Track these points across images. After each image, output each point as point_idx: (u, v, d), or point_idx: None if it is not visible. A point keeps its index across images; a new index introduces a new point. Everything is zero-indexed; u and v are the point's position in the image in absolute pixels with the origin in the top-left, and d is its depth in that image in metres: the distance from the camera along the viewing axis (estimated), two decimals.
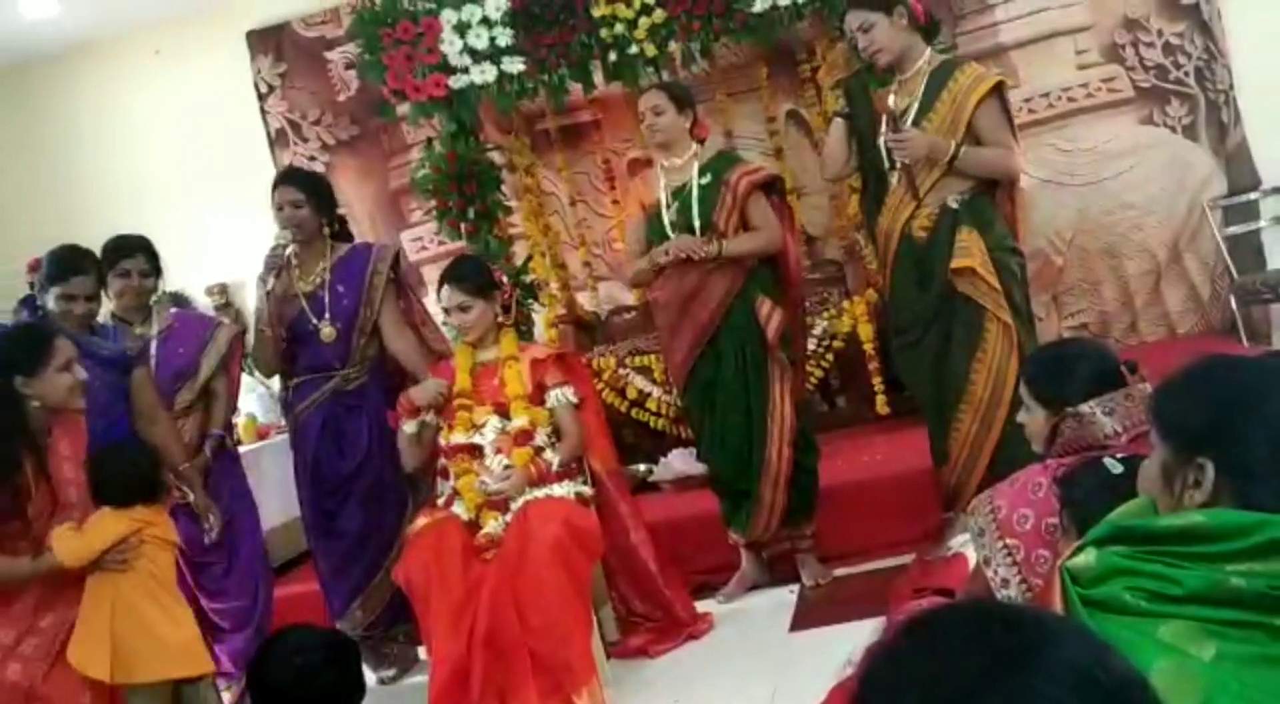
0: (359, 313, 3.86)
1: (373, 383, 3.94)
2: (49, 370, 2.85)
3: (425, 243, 6.21)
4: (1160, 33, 5.42)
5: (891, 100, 3.69)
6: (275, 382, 5.89)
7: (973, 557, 3.01)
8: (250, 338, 4.22)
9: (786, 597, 3.89)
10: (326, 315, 3.84)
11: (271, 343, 3.84)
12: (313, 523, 3.96)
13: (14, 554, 2.79)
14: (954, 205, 3.52)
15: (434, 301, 5.73)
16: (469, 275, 3.69)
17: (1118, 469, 1.88)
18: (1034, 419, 2.24)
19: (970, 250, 3.46)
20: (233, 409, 4.14)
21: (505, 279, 3.84)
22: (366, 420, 3.90)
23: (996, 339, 3.49)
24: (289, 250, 3.89)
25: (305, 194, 3.86)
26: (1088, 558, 1.50)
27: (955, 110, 3.52)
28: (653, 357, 5.02)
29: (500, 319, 3.70)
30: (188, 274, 6.16)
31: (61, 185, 6.18)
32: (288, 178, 3.99)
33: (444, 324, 4.77)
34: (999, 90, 3.55)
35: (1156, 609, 1.38)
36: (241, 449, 4.95)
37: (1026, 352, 3.40)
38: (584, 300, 5.76)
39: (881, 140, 3.63)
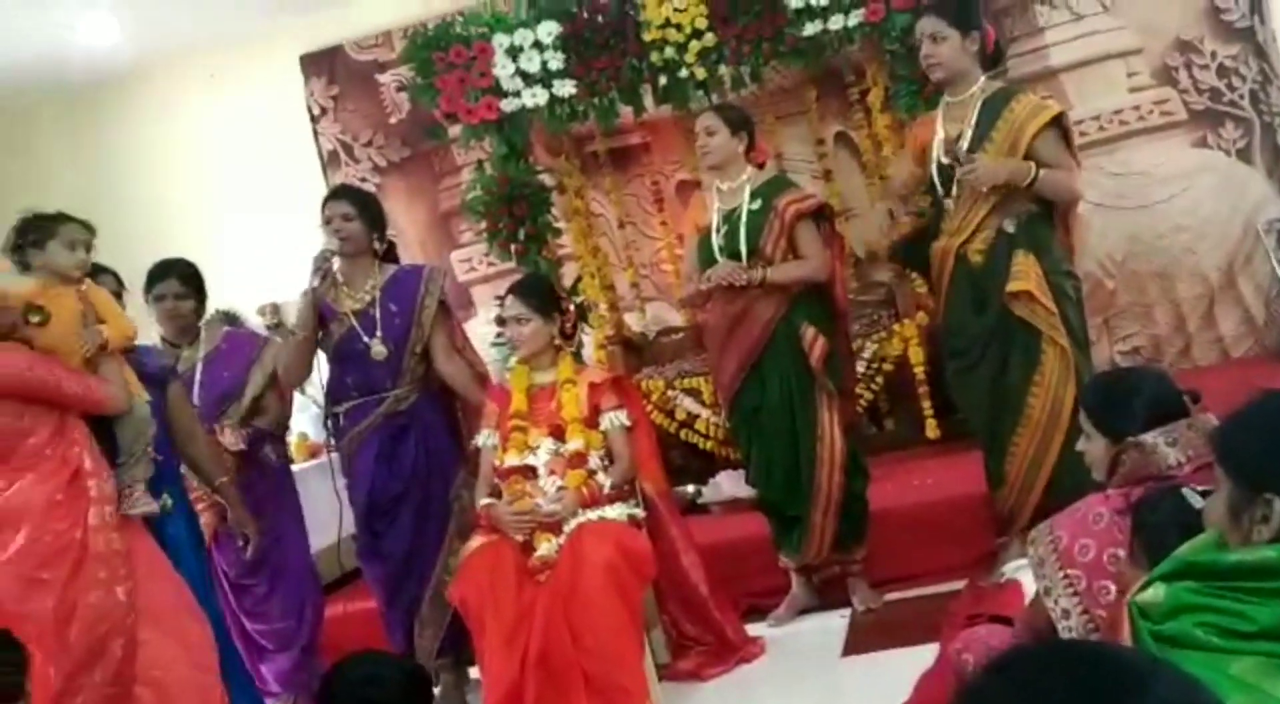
0: (410, 333, 3.82)
1: (423, 399, 3.87)
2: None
3: (474, 264, 6.26)
4: (1214, 55, 5.38)
5: (940, 126, 3.69)
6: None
7: (1026, 583, 3.00)
8: None
9: (837, 621, 3.87)
10: (378, 333, 3.79)
11: (304, 347, 3.82)
12: (363, 545, 3.91)
13: None
14: (1010, 229, 3.53)
15: (481, 323, 5.84)
16: (534, 291, 3.73)
17: (1198, 503, 1.86)
18: (1094, 447, 2.24)
19: (1026, 273, 3.46)
20: (286, 416, 4.16)
21: (571, 307, 3.84)
22: (415, 437, 3.84)
23: (1053, 362, 3.49)
24: (335, 265, 3.87)
25: (356, 208, 3.85)
26: (1156, 593, 1.50)
27: (1013, 138, 3.52)
28: (701, 378, 5.02)
29: (558, 343, 3.72)
30: (240, 293, 6.24)
31: (117, 207, 6.28)
32: (339, 193, 4.01)
33: (494, 344, 4.83)
34: (1059, 121, 3.56)
35: (1228, 645, 1.38)
36: (294, 468, 5.01)
37: (1083, 375, 3.40)
38: (632, 321, 5.77)
39: (934, 166, 3.64)
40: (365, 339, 3.80)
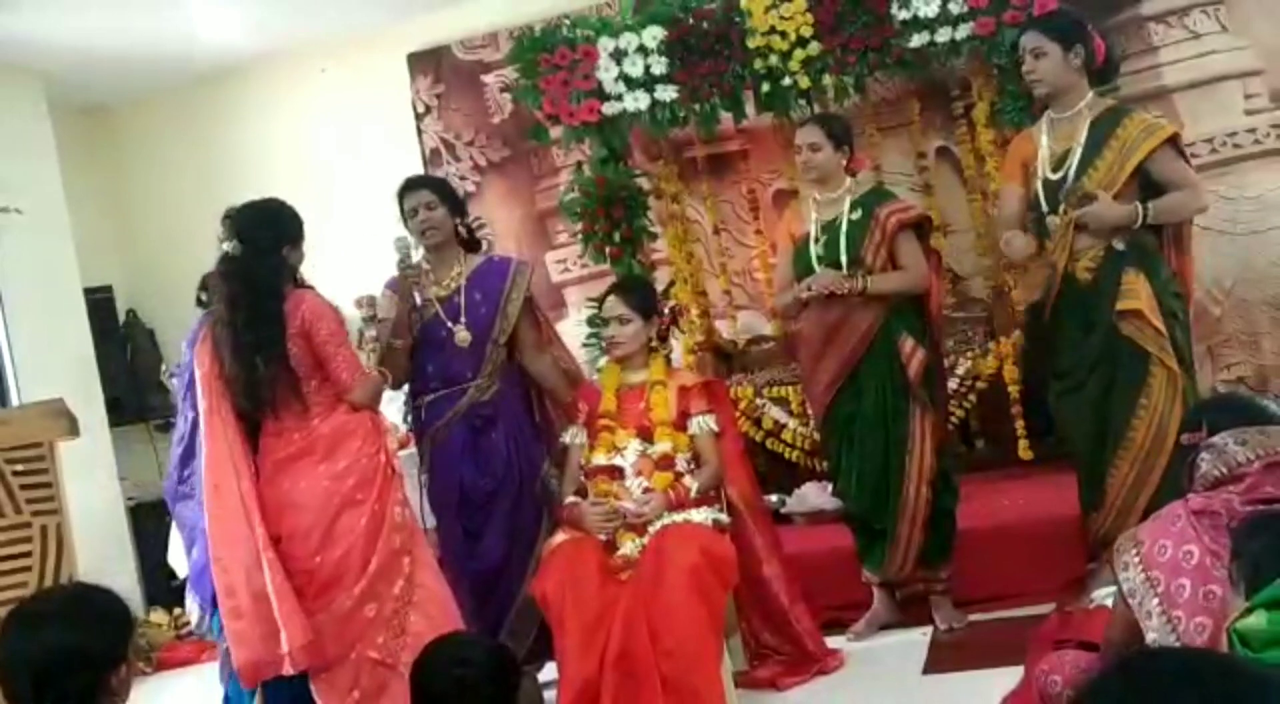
0: (495, 323, 3.81)
1: (505, 389, 3.85)
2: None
3: (568, 265, 6.30)
4: None
5: (1044, 141, 3.63)
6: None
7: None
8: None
9: (919, 639, 3.83)
10: (462, 320, 3.79)
11: (402, 353, 3.77)
12: (458, 545, 3.82)
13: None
14: (1120, 247, 3.46)
15: (573, 323, 5.87)
16: (636, 292, 3.77)
17: None
18: None
19: (1137, 292, 3.40)
20: None
21: (667, 311, 3.86)
22: (504, 430, 3.81)
23: (1161, 386, 3.42)
24: (419, 255, 3.87)
25: (437, 195, 3.88)
26: (1259, 621, 1.47)
27: (1121, 158, 3.46)
28: (790, 388, 5.01)
29: (653, 345, 3.73)
30: (339, 285, 6.37)
31: (231, 196, 6.42)
32: (417, 183, 4.00)
33: (585, 344, 4.86)
34: (1173, 140, 3.49)
35: None
36: None
37: (1190, 400, 3.32)
38: (723, 328, 5.77)
39: (1039, 182, 3.58)
40: (449, 325, 3.80)
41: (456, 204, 3.95)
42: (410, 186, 3.94)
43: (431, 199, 3.85)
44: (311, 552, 3.26)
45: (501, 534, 3.78)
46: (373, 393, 3.45)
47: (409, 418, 4.10)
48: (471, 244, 4.00)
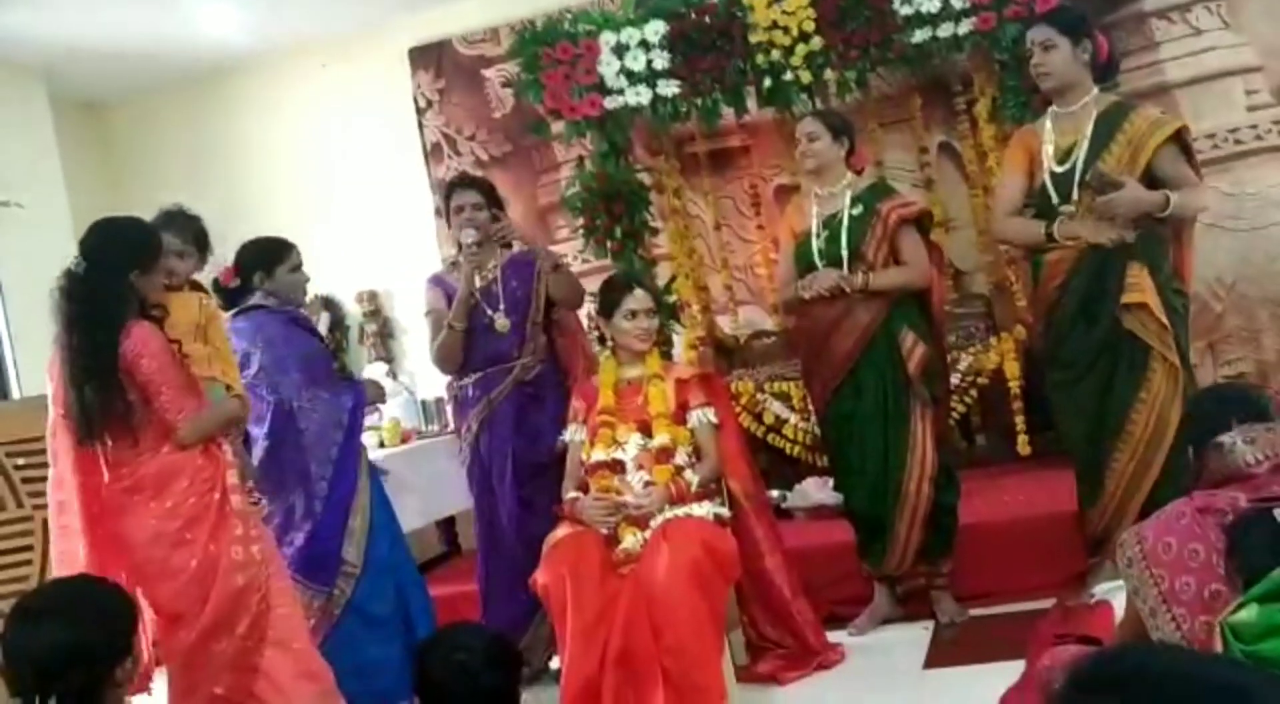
0: (531, 304, 4.05)
1: (547, 371, 4.10)
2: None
3: (569, 260, 6.29)
4: None
5: (1049, 135, 3.63)
6: (418, 388, 6.09)
7: (1117, 605, 2.96)
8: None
9: (920, 633, 3.84)
10: (501, 307, 4.02)
11: (461, 338, 4.01)
12: (512, 513, 3.98)
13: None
14: (1129, 239, 3.46)
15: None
16: (651, 288, 3.89)
17: None
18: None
19: (1141, 286, 3.41)
20: None
21: None
22: (548, 409, 4.03)
23: (1161, 380, 3.42)
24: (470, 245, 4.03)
25: (484, 197, 4.12)
26: (1250, 614, 1.48)
27: (1132, 153, 3.47)
28: (792, 383, 5.00)
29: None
30: (339, 280, 6.39)
31: (229, 191, 6.42)
32: (468, 183, 4.24)
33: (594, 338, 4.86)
34: (1180, 135, 3.50)
35: None
36: (385, 452, 5.10)
37: (1189, 395, 3.32)
38: (724, 323, 5.77)
39: (1046, 176, 3.58)
40: (490, 313, 4.02)
41: (497, 205, 4.18)
42: (460, 185, 4.20)
43: (478, 200, 4.09)
44: (148, 586, 3.12)
45: (555, 500, 3.88)
46: (205, 430, 3.17)
47: (451, 398, 4.29)
48: (505, 243, 4.23)
